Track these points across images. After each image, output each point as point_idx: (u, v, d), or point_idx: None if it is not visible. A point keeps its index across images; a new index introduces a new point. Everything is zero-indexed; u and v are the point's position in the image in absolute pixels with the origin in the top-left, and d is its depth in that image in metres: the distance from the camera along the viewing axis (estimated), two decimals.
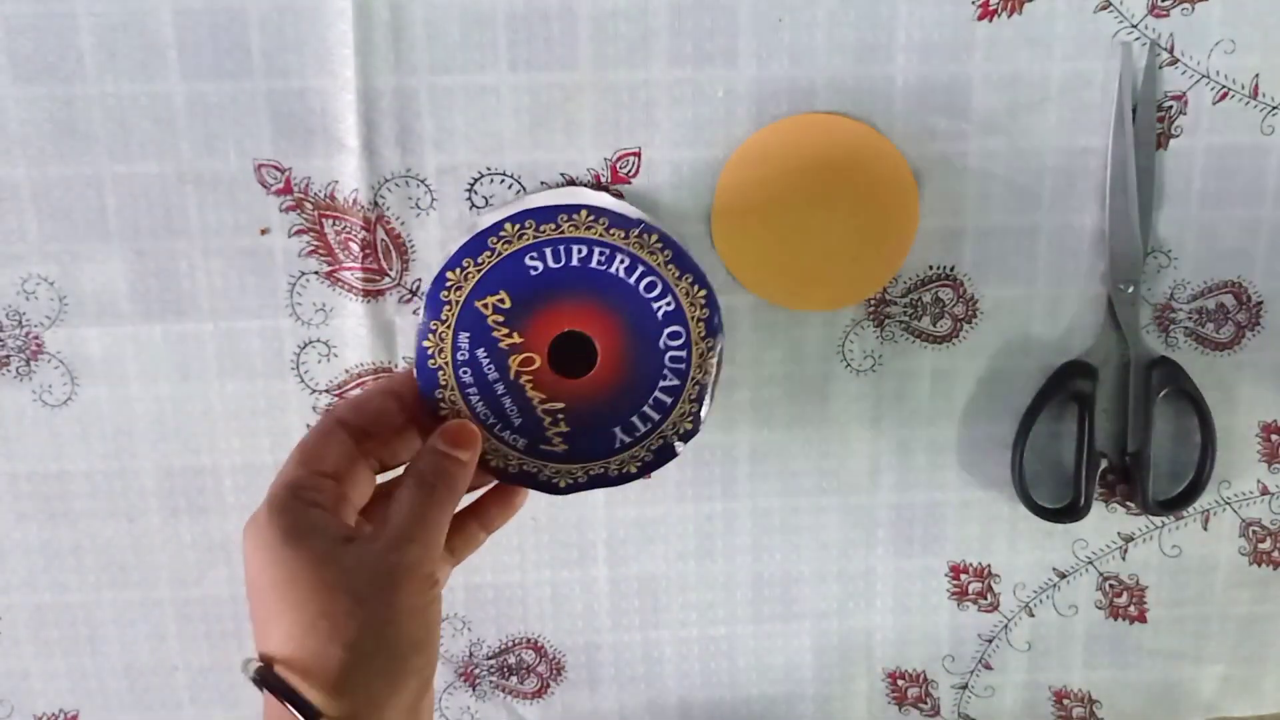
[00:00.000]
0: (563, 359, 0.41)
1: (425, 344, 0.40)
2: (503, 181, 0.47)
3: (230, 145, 0.46)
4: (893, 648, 0.54)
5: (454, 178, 0.47)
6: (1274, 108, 0.48)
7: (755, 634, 0.53)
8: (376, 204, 0.47)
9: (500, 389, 0.40)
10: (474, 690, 0.53)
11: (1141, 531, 0.53)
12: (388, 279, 0.48)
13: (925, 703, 0.55)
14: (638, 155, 0.47)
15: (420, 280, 0.48)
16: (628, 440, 0.41)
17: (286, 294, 0.48)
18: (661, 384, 0.41)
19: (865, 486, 0.52)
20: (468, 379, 0.40)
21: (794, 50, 0.46)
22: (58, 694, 0.52)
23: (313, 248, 0.47)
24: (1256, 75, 0.47)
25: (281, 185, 0.46)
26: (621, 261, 0.40)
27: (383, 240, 0.47)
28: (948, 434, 0.51)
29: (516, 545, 0.51)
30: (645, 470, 0.41)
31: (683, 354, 0.41)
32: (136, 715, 0.52)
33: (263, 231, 0.47)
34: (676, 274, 0.40)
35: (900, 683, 0.54)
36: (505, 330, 0.40)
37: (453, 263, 0.40)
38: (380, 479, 0.41)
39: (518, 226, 0.40)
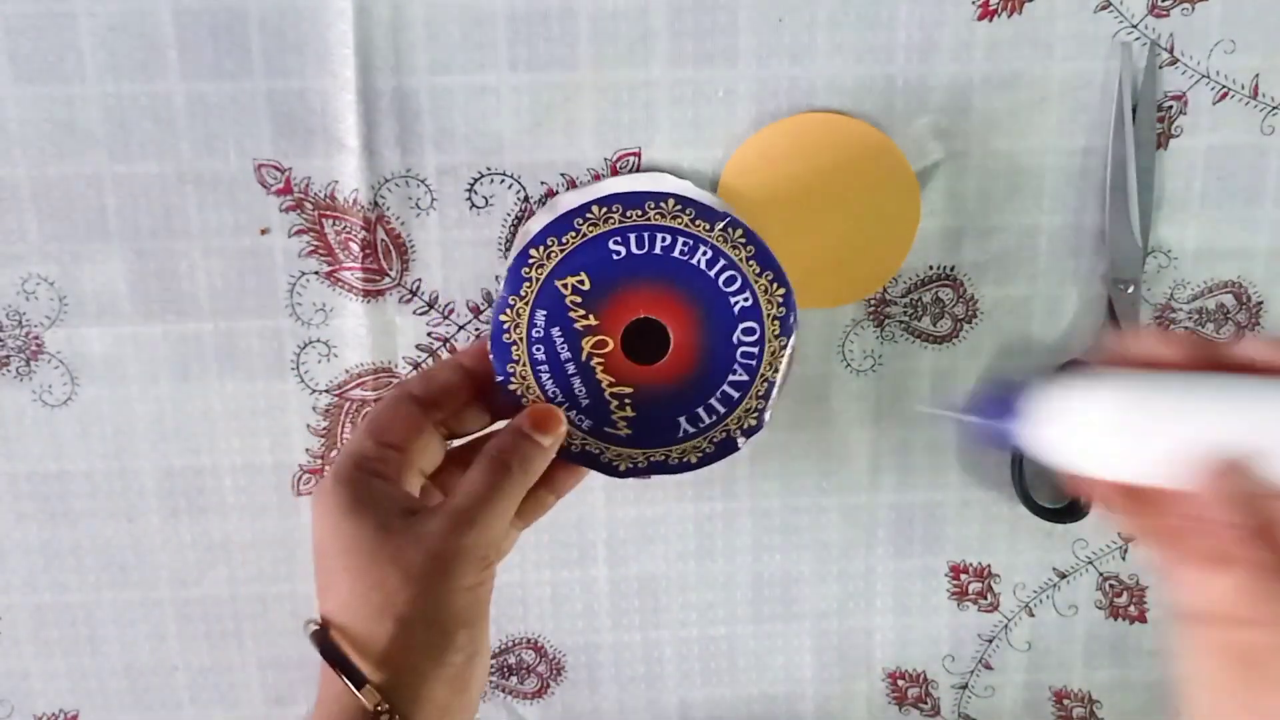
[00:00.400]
0: (636, 345, 0.41)
1: (502, 318, 0.40)
2: (503, 181, 0.47)
3: (230, 145, 0.46)
4: (893, 648, 0.54)
5: (454, 178, 0.47)
6: (1274, 108, 0.48)
7: (755, 634, 0.53)
8: (376, 204, 0.47)
9: (571, 369, 0.41)
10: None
11: None
12: (388, 279, 0.48)
13: (925, 703, 0.55)
14: (638, 155, 0.47)
15: (420, 280, 0.48)
16: (691, 431, 0.41)
17: (286, 294, 0.48)
18: (731, 378, 0.41)
19: (865, 486, 0.52)
20: (540, 356, 0.40)
21: (794, 50, 0.46)
22: (58, 694, 0.52)
23: (313, 248, 0.47)
24: (1256, 75, 0.47)
25: (281, 185, 0.46)
26: (704, 253, 0.40)
27: (383, 240, 0.47)
28: (948, 434, 0.51)
29: (516, 545, 0.51)
30: (705, 462, 0.41)
31: (755, 350, 0.41)
32: (136, 715, 0.52)
33: (263, 231, 0.47)
34: (757, 270, 0.40)
35: (900, 683, 0.54)
36: (582, 312, 0.40)
37: (537, 240, 0.40)
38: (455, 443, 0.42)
39: (604, 210, 0.40)
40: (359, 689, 0.35)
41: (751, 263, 0.40)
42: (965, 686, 0.54)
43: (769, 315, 0.41)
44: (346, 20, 0.45)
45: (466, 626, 0.37)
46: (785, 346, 0.41)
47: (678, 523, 0.52)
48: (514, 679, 0.53)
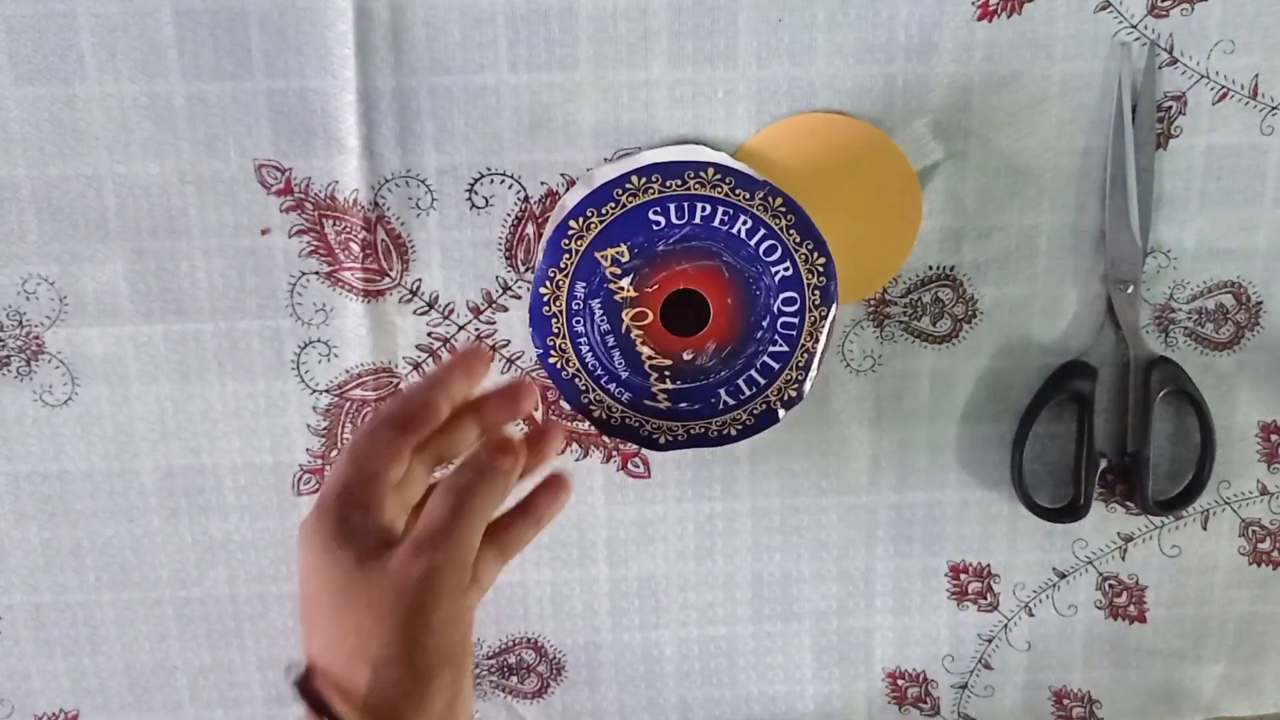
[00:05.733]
0: (675, 316, 0.40)
1: (541, 290, 0.40)
2: (503, 181, 0.47)
3: (230, 145, 0.46)
4: (892, 648, 0.54)
5: (454, 178, 0.47)
6: (1274, 108, 0.48)
7: (755, 634, 0.53)
8: (376, 204, 0.47)
9: (611, 341, 0.40)
10: (474, 690, 0.53)
11: (1141, 531, 0.53)
12: (388, 279, 0.48)
13: (925, 703, 0.55)
14: None
15: (420, 280, 0.48)
16: (731, 403, 0.41)
17: (287, 294, 0.48)
18: (771, 349, 0.41)
19: (865, 486, 0.52)
20: (580, 329, 0.40)
21: (794, 50, 0.46)
22: (58, 694, 0.52)
23: (313, 248, 0.47)
24: (1256, 75, 0.47)
25: (282, 185, 0.46)
26: (744, 223, 0.40)
27: (383, 240, 0.47)
28: (948, 434, 0.51)
29: None
30: (745, 434, 0.41)
31: (795, 320, 0.41)
32: (136, 715, 0.52)
33: (263, 232, 0.47)
34: (797, 239, 0.40)
35: (900, 683, 0.54)
36: (621, 283, 0.40)
37: (576, 211, 0.39)
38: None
39: (644, 180, 0.39)
40: None
41: (792, 232, 0.40)
42: (965, 686, 0.54)
43: (809, 285, 0.40)
44: (346, 20, 0.45)
45: (447, 665, 0.36)
46: (826, 317, 0.41)
47: (678, 523, 0.52)
48: (514, 679, 0.53)
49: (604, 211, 0.40)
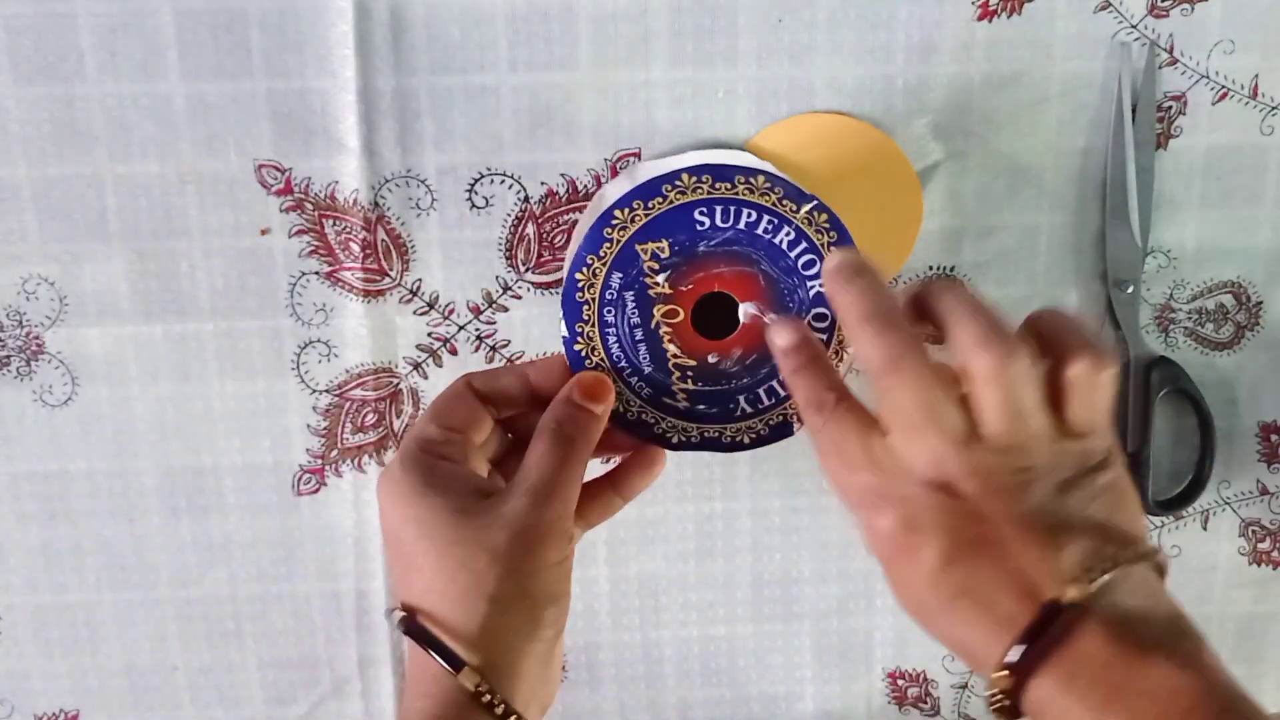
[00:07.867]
0: (705, 318, 0.40)
1: (578, 276, 0.40)
2: (503, 182, 0.47)
3: (230, 145, 0.46)
4: (893, 648, 0.54)
5: (454, 178, 0.47)
6: (1274, 108, 0.48)
7: (755, 634, 0.53)
8: (377, 204, 0.47)
9: (638, 335, 0.40)
10: None
11: None
12: (388, 279, 0.48)
13: (925, 703, 0.55)
14: (637, 156, 0.47)
15: (420, 280, 0.48)
16: (749, 410, 0.41)
17: (287, 294, 0.48)
18: None
19: None
20: (610, 319, 0.40)
21: (794, 50, 0.46)
22: (58, 694, 0.52)
23: (313, 248, 0.47)
24: (1256, 75, 0.47)
25: (282, 185, 0.47)
26: (787, 234, 0.40)
27: (383, 240, 0.47)
28: None
29: None
30: (758, 443, 0.41)
31: (824, 337, 0.41)
32: (136, 715, 0.52)
33: (263, 232, 0.47)
34: None
35: (900, 683, 0.54)
36: (657, 279, 0.40)
37: (623, 202, 0.39)
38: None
39: (694, 179, 0.39)
40: (457, 672, 0.35)
41: (833, 250, 0.40)
42: (965, 686, 0.54)
43: None
44: (346, 20, 0.45)
45: (554, 603, 0.38)
46: None
47: (678, 523, 0.52)
48: None
49: (650, 205, 0.40)
